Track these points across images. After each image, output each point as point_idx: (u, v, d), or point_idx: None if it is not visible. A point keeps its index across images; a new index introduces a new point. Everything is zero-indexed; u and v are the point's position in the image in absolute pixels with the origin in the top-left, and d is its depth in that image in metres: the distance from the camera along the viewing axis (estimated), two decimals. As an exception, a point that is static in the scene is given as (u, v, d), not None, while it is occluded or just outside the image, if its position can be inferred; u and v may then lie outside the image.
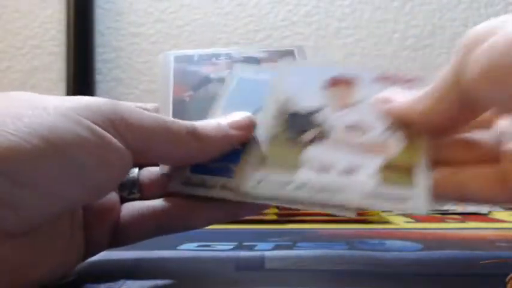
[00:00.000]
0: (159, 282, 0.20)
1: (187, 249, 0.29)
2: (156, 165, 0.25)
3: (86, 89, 0.70)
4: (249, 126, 0.24)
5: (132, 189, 0.25)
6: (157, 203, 0.24)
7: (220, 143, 0.22)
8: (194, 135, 0.21)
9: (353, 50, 0.72)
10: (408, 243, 0.31)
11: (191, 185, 0.23)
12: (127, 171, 0.20)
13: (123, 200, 0.24)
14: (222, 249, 0.29)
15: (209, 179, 0.23)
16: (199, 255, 0.27)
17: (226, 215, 0.24)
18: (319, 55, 0.72)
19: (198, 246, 0.30)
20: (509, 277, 0.19)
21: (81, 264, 0.24)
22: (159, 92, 0.27)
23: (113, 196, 0.24)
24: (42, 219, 0.17)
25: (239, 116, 0.24)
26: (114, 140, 0.18)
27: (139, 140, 0.19)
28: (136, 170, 0.25)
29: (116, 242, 0.23)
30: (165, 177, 0.24)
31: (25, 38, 0.74)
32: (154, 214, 0.23)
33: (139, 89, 0.73)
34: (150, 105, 0.26)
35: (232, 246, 0.30)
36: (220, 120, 0.23)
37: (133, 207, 0.24)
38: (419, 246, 0.30)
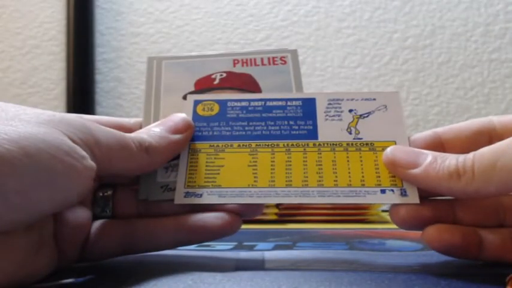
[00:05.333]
0: (159, 282, 0.20)
1: (187, 249, 0.29)
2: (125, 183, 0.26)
3: (85, 89, 0.70)
4: (187, 129, 0.25)
5: (104, 208, 0.25)
6: (126, 223, 0.25)
7: (166, 153, 0.24)
8: (145, 150, 0.23)
9: (353, 50, 0.72)
10: (408, 243, 0.31)
11: (156, 190, 0.25)
12: (91, 182, 0.20)
13: (95, 217, 0.25)
14: (222, 249, 0.29)
15: (171, 182, 0.25)
16: (199, 255, 0.27)
17: (194, 238, 0.24)
18: (316, 55, 0.72)
19: (198, 246, 0.30)
20: (509, 277, 0.19)
21: (82, 264, 0.24)
22: (144, 99, 0.29)
23: (85, 212, 0.25)
24: (9, 224, 0.18)
25: (177, 118, 0.25)
26: (82, 151, 0.19)
27: (103, 155, 0.21)
28: (111, 190, 0.26)
29: (85, 257, 0.24)
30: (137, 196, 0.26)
31: (25, 38, 0.74)
32: (122, 233, 0.24)
33: (139, 89, 0.72)
34: (133, 121, 0.28)
35: (232, 246, 0.30)
36: (161, 125, 0.25)
37: (103, 225, 0.25)
38: (419, 246, 0.30)
